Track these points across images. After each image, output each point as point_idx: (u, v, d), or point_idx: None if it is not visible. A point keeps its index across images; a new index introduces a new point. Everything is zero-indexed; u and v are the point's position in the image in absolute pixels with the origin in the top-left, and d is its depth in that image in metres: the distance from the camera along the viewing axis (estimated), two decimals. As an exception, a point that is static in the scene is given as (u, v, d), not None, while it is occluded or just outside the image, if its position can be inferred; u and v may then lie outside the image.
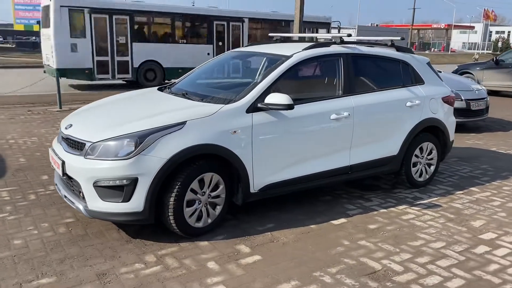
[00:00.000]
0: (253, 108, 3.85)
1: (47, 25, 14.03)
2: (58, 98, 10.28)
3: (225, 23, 16.69)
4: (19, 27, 73.87)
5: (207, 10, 16.77)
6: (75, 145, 3.64)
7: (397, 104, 4.78)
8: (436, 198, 4.84)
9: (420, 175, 5.15)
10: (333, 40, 4.72)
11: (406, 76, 4.99)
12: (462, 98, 8.33)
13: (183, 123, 3.54)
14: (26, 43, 48.89)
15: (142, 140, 3.38)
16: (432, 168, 5.25)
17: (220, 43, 16.67)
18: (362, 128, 4.50)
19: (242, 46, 14.79)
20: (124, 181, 3.35)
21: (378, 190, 5.06)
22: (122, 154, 3.37)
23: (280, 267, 3.25)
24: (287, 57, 4.24)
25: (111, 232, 3.75)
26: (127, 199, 3.38)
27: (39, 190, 4.75)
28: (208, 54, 16.21)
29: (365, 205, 4.57)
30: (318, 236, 3.80)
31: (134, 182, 3.35)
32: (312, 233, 3.86)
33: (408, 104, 4.83)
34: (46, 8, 14.00)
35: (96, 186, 3.40)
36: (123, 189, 3.36)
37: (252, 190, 3.92)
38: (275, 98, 3.81)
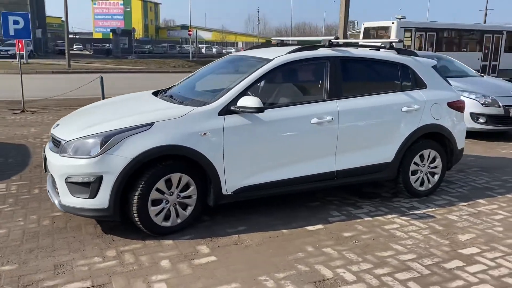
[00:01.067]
0: (226, 111, 3.89)
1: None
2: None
3: (490, 35, 22.96)
4: (97, 35, 79.62)
5: (480, 26, 24.58)
6: (56, 143, 3.89)
7: (391, 109, 4.59)
8: (433, 209, 4.57)
9: (422, 184, 4.89)
10: (322, 43, 4.63)
11: (404, 80, 4.77)
12: (500, 104, 7.78)
13: (151, 124, 3.66)
14: (101, 50, 52.22)
15: (107, 140, 3.54)
16: (436, 177, 4.96)
17: (486, 51, 23.01)
18: (349, 133, 4.37)
19: (500, 53, 23.27)
20: (91, 178, 3.53)
21: (377, 198, 4.88)
22: (89, 152, 3.56)
23: (230, 269, 3.26)
24: (268, 61, 4.23)
25: (88, 227, 3.95)
26: (93, 195, 3.55)
27: (45, 185, 5.10)
28: (478, 59, 22.58)
29: (352, 212, 4.43)
30: (285, 241, 3.74)
31: (99, 179, 3.52)
32: (281, 237, 3.82)
33: (405, 109, 4.62)
34: (385, 28, 20.67)
35: (67, 182, 3.61)
36: (89, 186, 3.55)
37: (224, 192, 3.95)
38: (245, 101, 3.83)
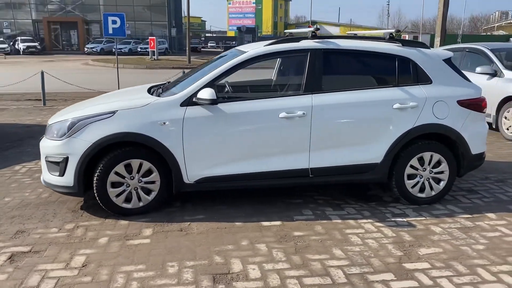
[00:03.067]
0: (188, 102, 4.01)
1: None
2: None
3: None
4: (230, 33, 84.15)
5: None
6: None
7: (379, 105, 4.21)
8: (422, 218, 4.10)
9: (422, 191, 4.40)
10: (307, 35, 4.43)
11: (402, 74, 4.32)
12: None
13: (114, 112, 3.97)
14: (229, 47, 55.26)
15: (74, 125, 3.94)
16: (442, 184, 4.41)
17: None
18: (325, 129, 4.15)
19: None
20: (60, 158, 3.97)
21: (373, 202, 4.53)
22: (59, 135, 4.00)
23: (150, 252, 3.40)
24: (242, 53, 4.23)
25: (72, 203, 4.42)
26: (62, 174, 3.99)
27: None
28: None
29: (327, 213, 4.21)
30: (228, 233, 3.74)
31: (65, 160, 3.94)
32: (227, 229, 3.82)
33: (396, 106, 4.20)
34: None
35: (46, 160, 4.11)
36: (59, 165, 3.99)
37: (186, 181, 4.08)
38: (202, 93, 3.91)
